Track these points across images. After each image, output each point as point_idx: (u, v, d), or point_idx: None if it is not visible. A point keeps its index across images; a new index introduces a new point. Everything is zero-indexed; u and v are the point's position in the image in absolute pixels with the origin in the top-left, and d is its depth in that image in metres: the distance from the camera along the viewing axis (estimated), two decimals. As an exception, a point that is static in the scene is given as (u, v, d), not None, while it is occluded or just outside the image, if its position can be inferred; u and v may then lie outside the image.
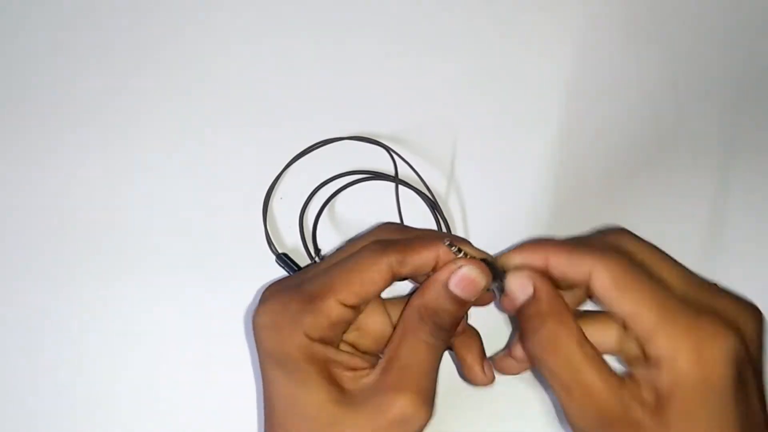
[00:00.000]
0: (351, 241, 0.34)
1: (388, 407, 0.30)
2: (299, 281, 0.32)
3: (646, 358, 0.29)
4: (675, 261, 0.32)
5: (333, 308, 0.31)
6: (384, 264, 0.31)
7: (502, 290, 0.32)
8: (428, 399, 0.31)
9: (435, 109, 0.46)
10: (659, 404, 0.28)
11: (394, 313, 0.34)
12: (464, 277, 0.31)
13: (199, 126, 0.45)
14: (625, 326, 0.30)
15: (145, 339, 0.41)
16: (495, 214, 0.43)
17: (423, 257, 0.32)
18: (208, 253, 0.43)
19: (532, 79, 0.46)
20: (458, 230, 0.43)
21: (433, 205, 0.43)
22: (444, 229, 0.42)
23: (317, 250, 0.42)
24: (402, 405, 0.30)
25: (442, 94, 0.46)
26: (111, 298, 0.42)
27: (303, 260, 0.42)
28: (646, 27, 0.48)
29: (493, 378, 0.35)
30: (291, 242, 0.43)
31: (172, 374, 0.41)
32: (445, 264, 0.32)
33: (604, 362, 0.30)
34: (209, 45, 0.47)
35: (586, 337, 0.30)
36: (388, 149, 0.44)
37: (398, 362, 0.31)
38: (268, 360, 0.31)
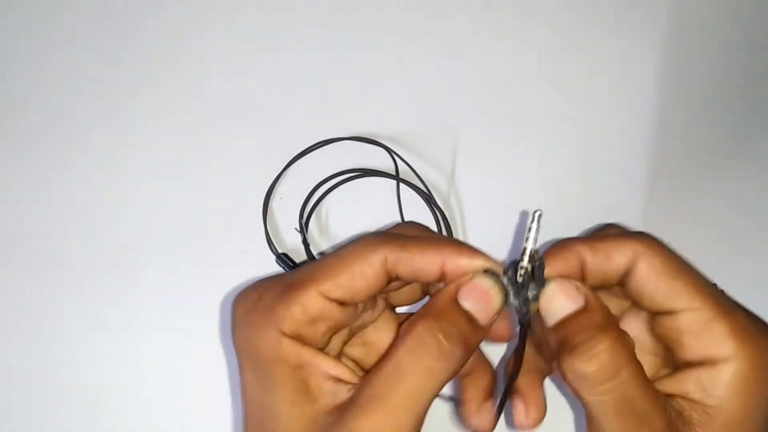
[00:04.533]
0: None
1: None
2: (287, 274, 0.28)
3: (685, 361, 0.26)
4: (700, 273, 0.28)
5: (312, 299, 0.26)
6: (377, 256, 0.26)
7: (524, 311, 0.27)
8: None
9: (435, 109, 0.46)
10: (709, 414, 0.25)
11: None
12: (475, 287, 0.26)
13: (199, 126, 0.45)
14: (656, 320, 0.27)
15: (144, 339, 0.41)
16: (495, 215, 0.43)
17: (425, 259, 0.27)
18: (209, 253, 0.43)
19: (533, 79, 0.46)
20: (458, 230, 0.43)
21: (433, 204, 0.43)
22: (444, 229, 0.42)
23: (304, 237, 0.42)
24: None
25: (442, 95, 0.46)
26: (110, 298, 0.42)
27: (303, 260, 0.42)
28: (648, 26, 0.48)
29: (494, 426, 0.30)
30: (291, 242, 0.43)
31: (171, 375, 0.41)
32: (455, 275, 0.27)
33: (655, 389, 0.26)
34: (209, 45, 0.47)
35: (638, 361, 0.26)
36: (388, 149, 0.44)
37: (381, 385, 0.25)
38: (241, 358, 0.27)
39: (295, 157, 0.44)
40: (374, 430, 0.24)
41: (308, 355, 0.26)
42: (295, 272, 0.27)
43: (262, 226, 0.43)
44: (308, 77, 0.46)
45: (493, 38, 0.47)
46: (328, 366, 0.26)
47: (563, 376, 0.26)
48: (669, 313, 0.26)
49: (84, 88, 0.46)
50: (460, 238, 0.43)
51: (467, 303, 0.26)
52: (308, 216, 0.43)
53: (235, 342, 0.27)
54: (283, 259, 0.42)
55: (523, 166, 0.44)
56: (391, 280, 0.27)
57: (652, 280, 0.26)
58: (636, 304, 0.28)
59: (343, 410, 0.25)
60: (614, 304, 0.30)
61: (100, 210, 0.44)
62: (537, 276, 0.27)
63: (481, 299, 0.26)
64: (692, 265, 0.27)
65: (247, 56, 0.47)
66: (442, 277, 0.27)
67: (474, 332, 0.26)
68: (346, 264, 0.26)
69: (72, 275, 0.42)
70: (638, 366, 0.25)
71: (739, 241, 0.43)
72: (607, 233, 0.29)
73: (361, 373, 0.27)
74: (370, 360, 0.29)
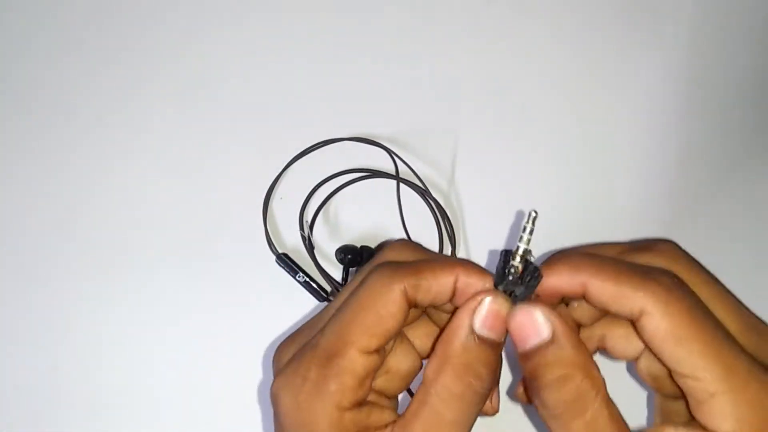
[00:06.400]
0: (362, 270, 0.29)
1: None
2: (312, 335, 0.27)
3: (691, 417, 0.25)
4: (730, 293, 0.27)
5: (356, 362, 0.25)
6: (397, 291, 0.26)
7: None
8: None
9: (435, 110, 0.46)
10: None
11: (420, 341, 0.30)
12: (492, 314, 0.26)
13: (200, 126, 0.45)
14: (670, 374, 0.25)
15: (144, 339, 0.41)
16: (495, 215, 0.43)
17: (440, 282, 0.27)
18: (209, 253, 0.43)
19: (533, 79, 0.47)
20: (458, 231, 0.43)
21: (434, 204, 0.43)
22: (445, 229, 0.42)
23: (311, 247, 0.42)
24: None
25: (442, 96, 0.46)
26: (111, 298, 0.42)
27: (303, 260, 0.42)
28: (646, 25, 0.48)
29: (498, 409, 0.30)
30: (291, 242, 0.43)
31: (171, 374, 0.41)
32: (464, 301, 0.26)
33: (627, 427, 0.25)
34: (210, 46, 0.47)
35: (609, 396, 0.25)
36: (388, 150, 0.44)
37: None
38: None
39: (295, 157, 0.44)
40: None
41: (364, 417, 0.26)
42: (323, 335, 0.26)
43: (262, 226, 0.43)
44: (308, 78, 0.46)
45: (493, 38, 0.48)
46: (380, 419, 0.26)
47: (535, 405, 0.26)
48: (674, 371, 0.25)
49: (84, 88, 0.46)
50: (460, 238, 0.43)
51: (486, 331, 0.26)
52: (313, 217, 0.43)
53: (287, 429, 0.26)
54: (283, 259, 0.42)
55: (523, 167, 0.45)
56: (410, 308, 0.27)
57: (656, 340, 0.25)
58: None
59: None
60: None
61: (99, 210, 0.44)
62: (525, 279, 0.26)
63: (499, 324, 0.26)
64: (709, 319, 0.25)
65: (248, 57, 0.47)
66: (453, 297, 0.27)
67: (496, 354, 0.26)
68: (372, 310, 0.26)
69: (71, 275, 0.42)
70: (609, 407, 0.25)
71: (753, 243, 0.43)
72: (624, 264, 0.27)
73: (386, 402, 0.28)
74: (392, 386, 0.29)
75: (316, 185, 0.44)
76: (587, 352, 0.25)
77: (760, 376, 0.24)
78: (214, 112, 0.46)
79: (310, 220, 0.43)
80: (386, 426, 0.26)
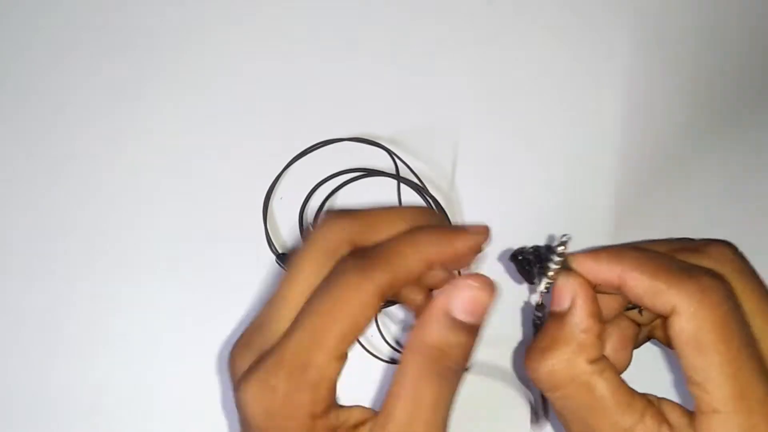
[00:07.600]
0: (300, 251, 0.27)
1: None
2: (269, 337, 0.26)
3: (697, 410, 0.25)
4: None
5: (330, 369, 0.24)
6: (371, 294, 0.24)
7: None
8: None
9: (435, 110, 0.46)
10: None
11: None
12: (471, 300, 0.25)
13: (199, 126, 0.45)
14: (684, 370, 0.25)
15: (144, 339, 0.41)
16: (496, 216, 0.43)
17: (413, 272, 0.26)
18: (208, 253, 0.43)
19: (533, 79, 0.46)
20: (458, 231, 0.43)
21: (434, 203, 0.43)
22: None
23: None
24: None
25: (442, 96, 0.46)
26: (110, 298, 0.42)
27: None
28: (647, 24, 0.48)
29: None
30: (291, 242, 0.43)
31: (170, 374, 0.41)
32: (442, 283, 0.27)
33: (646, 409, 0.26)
34: (210, 46, 0.47)
35: (621, 381, 0.26)
36: (388, 151, 0.44)
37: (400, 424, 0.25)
38: None
39: (295, 157, 0.44)
40: None
41: (334, 418, 0.25)
42: (290, 341, 0.25)
43: (262, 226, 0.43)
44: (308, 78, 0.46)
45: (493, 38, 0.47)
46: (349, 418, 0.26)
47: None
48: (687, 376, 0.25)
49: (83, 88, 0.46)
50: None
51: (464, 316, 0.25)
52: (314, 218, 0.43)
53: None
54: (283, 259, 0.42)
55: (524, 167, 0.45)
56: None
57: (679, 342, 0.24)
58: None
59: None
60: None
61: (98, 210, 0.44)
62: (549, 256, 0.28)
63: (478, 307, 0.26)
64: (739, 332, 0.24)
65: (248, 56, 0.47)
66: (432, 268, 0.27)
67: (472, 336, 0.26)
68: (345, 315, 0.24)
69: (70, 275, 0.42)
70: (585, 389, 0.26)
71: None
72: (667, 259, 0.27)
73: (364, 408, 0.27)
74: None
75: (316, 185, 0.44)
76: (594, 336, 0.26)
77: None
78: (213, 112, 0.46)
79: (311, 225, 0.43)
80: (363, 423, 0.25)
